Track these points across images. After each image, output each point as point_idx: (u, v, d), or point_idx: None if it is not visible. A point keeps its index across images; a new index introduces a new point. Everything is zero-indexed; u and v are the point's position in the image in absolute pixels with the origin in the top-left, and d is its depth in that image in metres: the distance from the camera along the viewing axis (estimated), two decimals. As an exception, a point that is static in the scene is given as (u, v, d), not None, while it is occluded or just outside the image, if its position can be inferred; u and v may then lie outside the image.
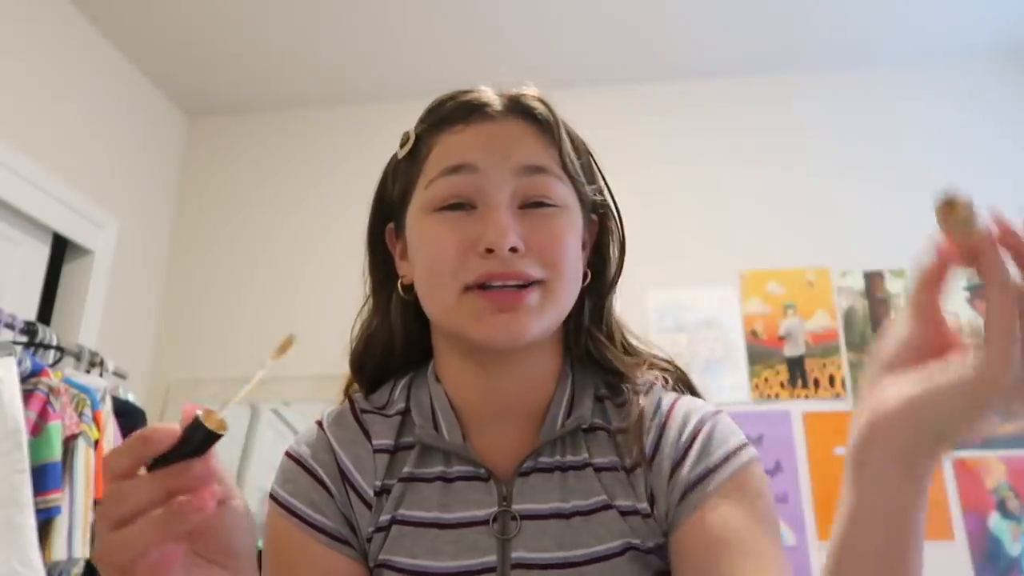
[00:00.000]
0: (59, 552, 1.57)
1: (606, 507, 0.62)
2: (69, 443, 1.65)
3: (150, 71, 2.66)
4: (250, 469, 2.45)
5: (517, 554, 0.60)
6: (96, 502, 1.72)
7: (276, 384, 2.42)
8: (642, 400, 0.67)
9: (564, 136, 0.67)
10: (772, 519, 0.61)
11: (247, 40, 2.52)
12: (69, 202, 2.23)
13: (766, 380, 2.34)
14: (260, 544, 0.59)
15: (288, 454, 0.68)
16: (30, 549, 1.44)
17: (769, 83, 2.68)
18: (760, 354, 2.37)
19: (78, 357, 1.95)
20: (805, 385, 2.33)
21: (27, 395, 1.58)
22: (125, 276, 2.49)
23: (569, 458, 0.65)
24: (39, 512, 1.51)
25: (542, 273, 0.62)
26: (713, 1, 2.36)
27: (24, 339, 1.77)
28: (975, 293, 2.36)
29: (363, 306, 0.74)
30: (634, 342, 0.73)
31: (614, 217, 0.73)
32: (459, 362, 0.68)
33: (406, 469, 0.65)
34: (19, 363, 1.59)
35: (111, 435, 1.83)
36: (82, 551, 1.63)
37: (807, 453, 2.23)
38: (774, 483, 2.21)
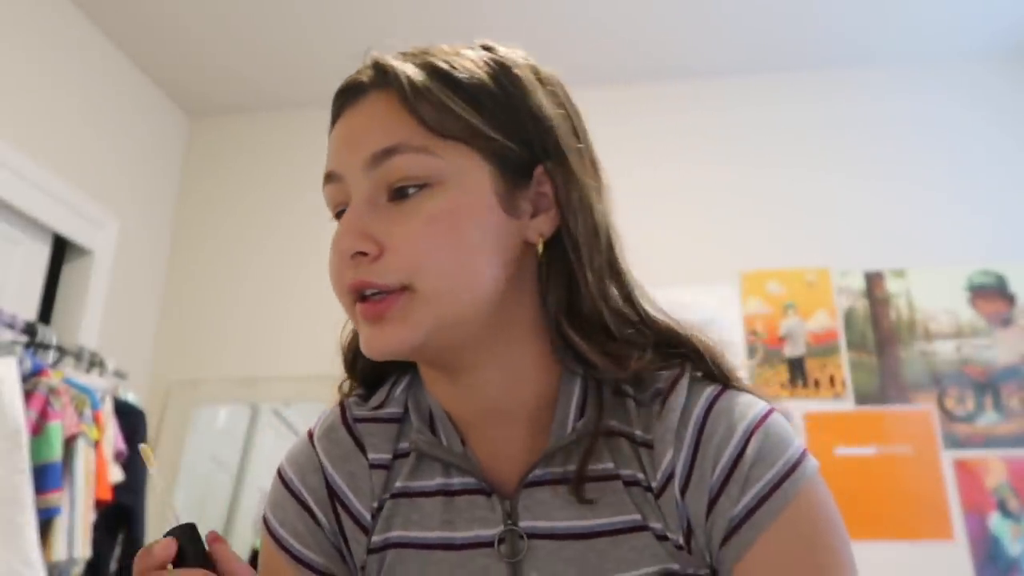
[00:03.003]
0: (59, 552, 1.57)
1: (640, 528, 0.53)
2: (69, 443, 1.65)
3: (151, 71, 2.66)
4: (250, 469, 2.45)
5: None
6: (96, 502, 1.72)
7: (276, 384, 2.42)
8: (670, 401, 0.55)
9: (432, 90, 0.54)
10: (836, 550, 0.53)
11: (248, 40, 2.52)
12: (69, 202, 2.23)
13: (766, 380, 2.34)
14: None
15: (279, 473, 0.63)
16: (31, 549, 1.44)
17: (769, 83, 2.68)
18: (760, 354, 2.37)
19: (78, 357, 1.95)
20: (805, 385, 2.33)
21: (27, 395, 1.58)
22: (125, 276, 2.49)
23: (589, 467, 0.55)
24: (39, 512, 1.51)
25: (401, 277, 0.52)
26: (713, 2, 2.36)
27: (24, 339, 1.77)
28: (975, 293, 2.36)
29: None
30: (651, 311, 0.60)
31: (567, 160, 0.57)
32: (424, 366, 0.61)
33: (399, 483, 0.59)
34: (19, 363, 1.59)
35: (111, 435, 1.83)
36: (82, 551, 1.63)
37: (807, 453, 2.23)
38: (774, 483, 2.21)
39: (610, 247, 0.59)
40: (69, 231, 2.25)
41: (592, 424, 0.56)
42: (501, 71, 0.57)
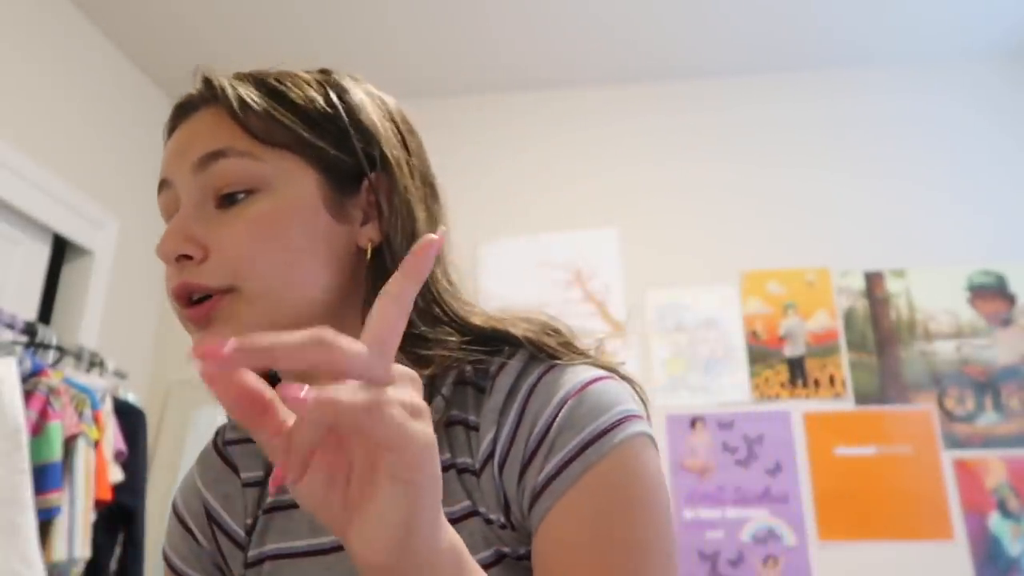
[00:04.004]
0: (59, 552, 1.57)
1: (471, 513, 0.53)
2: (69, 443, 1.65)
3: (151, 71, 2.66)
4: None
5: None
6: (96, 502, 1.72)
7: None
8: (496, 382, 0.55)
9: (259, 102, 0.56)
10: (637, 524, 0.48)
11: (247, 41, 2.52)
12: (69, 202, 2.23)
13: (766, 380, 2.34)
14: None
15: (173, 498, 0.66)
16: (31, 549, 1.44)
17: (769, 83, 2.68)
18: (760, 354, 2.37)
19: (78, 357, 1.95)
20: (805, 385, 2.33)
21: (27, 395, 1.58)
22: (125, 276, 2.49)
23: None
24: (39, 512, 1.51)
25: (226, 280, 0.52)
26: (713, 2, 2.36)
27: (24, 339, 1.76)
28: (975, 293, 2.36)
29: None
30: (460, 311, 0.58)
31: (392, 171, 0.59)
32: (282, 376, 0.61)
33: (270, 499, 0.60)
34: (19, 363, 1.58)
35: (111, 435, 1.83)
36: (82, 551, 1.63)
37: (807, 453, 2.23)
38: (774, 483, 2.21)
39: (436, 262, 0.59)
40: (69, 231, 2.25)
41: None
42: (332, 88, 0.59)
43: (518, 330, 0.56)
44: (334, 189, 0.57)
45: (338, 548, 0.56)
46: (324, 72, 0.62)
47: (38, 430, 1.58)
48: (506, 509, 0.53)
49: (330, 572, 0.56)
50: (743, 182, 2.57)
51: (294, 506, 0.59)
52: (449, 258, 0.62)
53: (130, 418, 1.94)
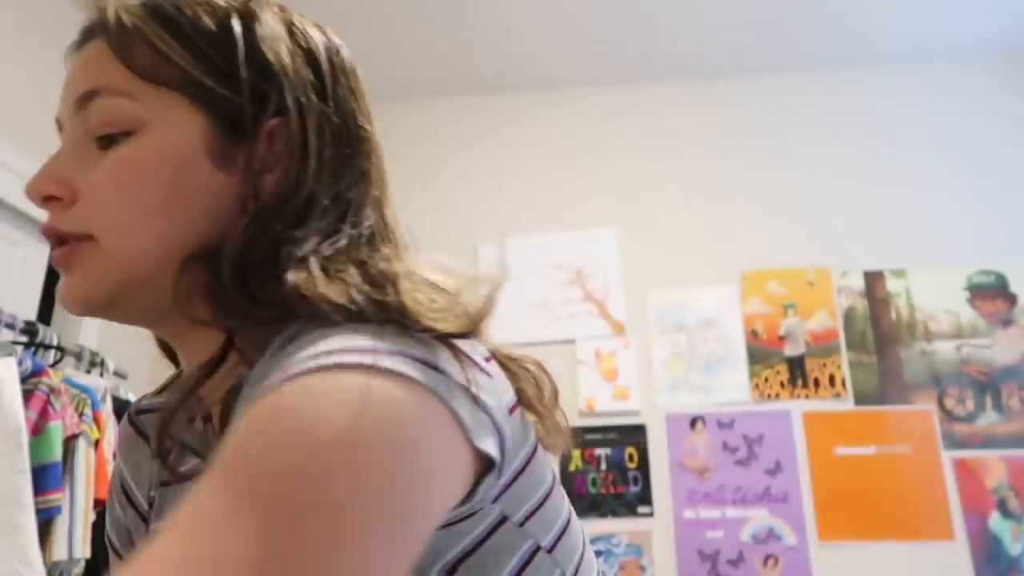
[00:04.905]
0: (59, 552, 1.57)
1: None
2: (69, 443, 1.65)
3: (150, 71, 2.66)
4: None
5: None
6: (97, 502, 1.72)
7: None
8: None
9: (143, 32, 0.50)
10: (251, 465, 0.33)
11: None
12: (69, 202, 2.23)
13: (766, 380, 2.34)
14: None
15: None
16: (31, 549, 1.44)
17: (769, 83, 2.68)
18: (760, 354, 2.37)
19: (79, 357, 1.95)
20: (805, 385, 2.33)
21: (27, 395, 1.58)
22: (125, 276, 2.49)
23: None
24: (39, 512, 1.51)
25: (83, 226, 0.49)
26: (713, 2, 2.36)
27: (24, 339, 1.76)
28: (975, 293, 2.36)
29: None
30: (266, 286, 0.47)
31: (291, 119, 0.51)
32: (172, 340, 0.56)
33: (160, 474, 0.56)
34: (19, 363, 1.58)
35: (111, 435, 1.83)
36: (82, 551, 1.63)
37: (807, 453, 2.23)
38: (774, 483, 2.21)
39: (298, 219, 0.50)
40: (69, 231, 2.24)
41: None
42: (239, 17, 0.52)
43: (310, 294, 0.44)
44: (223, 135, 0.50)
45: None
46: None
47: (38, 430, 1.57)
48: None
49: None
50: (743, 182, 2.57)
51: (181, 481, 0.51)
52: (361, 219, 0.52)
53: (130, 418, 1.93)
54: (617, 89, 2.72)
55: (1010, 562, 2.08)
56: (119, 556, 0.60)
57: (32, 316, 2.10)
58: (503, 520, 0.44)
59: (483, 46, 2.57)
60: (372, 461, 0.33)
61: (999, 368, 2.28)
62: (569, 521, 0.50)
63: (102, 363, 2.00)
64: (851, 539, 2.14)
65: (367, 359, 0.37)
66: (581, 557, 0.50)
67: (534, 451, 0.47)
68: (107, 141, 0.50)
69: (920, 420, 2.24)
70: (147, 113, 0.49)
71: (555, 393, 0.51)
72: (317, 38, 0.58)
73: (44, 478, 1.55)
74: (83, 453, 1.67)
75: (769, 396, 2.33)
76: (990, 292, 2.36)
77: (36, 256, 2.19)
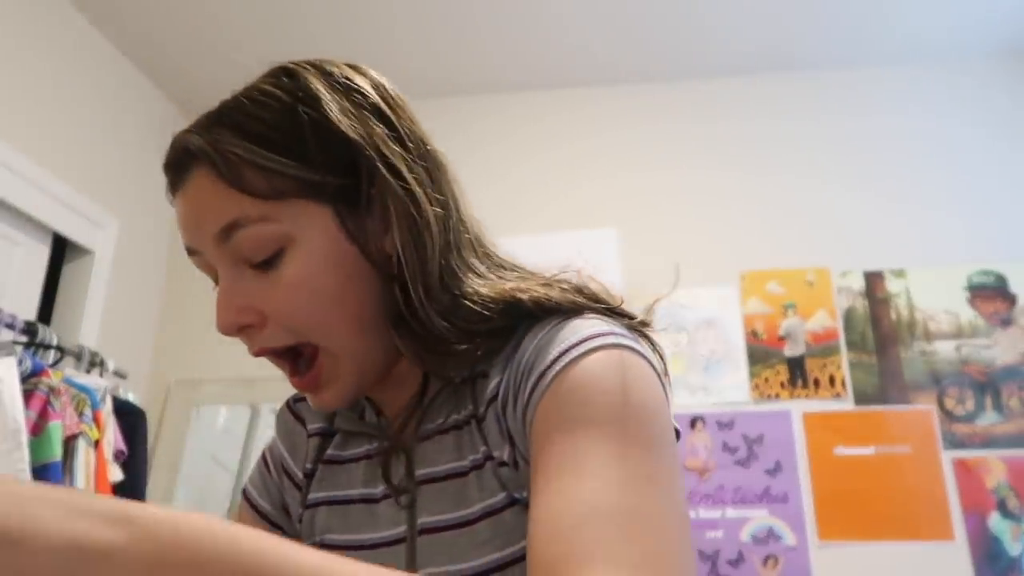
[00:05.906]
0: (59, 552, 1.56)
1: (488, 458, 0.55)
2: (69, 443, 1.65)
3: (150, 71, 2.66)
4: (250, 469, 2.44)
5: (422, 520, 0.57)
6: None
7: (276, 384, 2.42)
8: (515, 339, 0.57)
9: (242, 155, 0.54)
10: (589, 418, 0.47)
11: (247, 41, 2.52)
12: (69, 202, 2.23)
13: (766, 380, 2.34)
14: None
15: (262, 453, 0.75)
16: (30, 549, 1.44)
17: (768, 84, 2.68)
18: (760, 354, 2.37)
19: (78, 357, 1.95)
20: (805, 385, 2.33)
21: (27, 395, 1.58)
22: (125, 276, 2.49)
23: (454, 416, 0.59)
24: (39, 512, 1.51)
25: (293, 338, 0.56)
26: (713, 2, 2.36)
27: (24, 339, 1.76)
28: (975, 293, 2.36)
29: None
30: (482, 293, 0.58)
31: (384, 176, 0.56)
32: None
33: (330, 452, 0.67)
34: (19, 363, 1.58)
35: (111, 435, 1.83)
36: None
37: (807, 453, 2.23)
38: (774, 483, 2.21)
39: (448, 249, 0.59)
40: (69, 231, 2.25)
41: (446, 379, 0.60)
42: (299, 102, 0.56)
43: (528, 295, 0.57)
44: (348, 214, 0.56)
45: (387, 496, 0.60)
46: (288, 75, 0.59)
47: (38, 430, 1.58)
48: (512, 444, 0.54)
49: (374, 517, 0.60)
50: (743, 182, 2.57)
51: (350, 460, 0.65)
52: (464, 223, 0.64)
53: (130, 418, 1.94)
54: (617, 90, 2.72)
55: (1010, 562, 2.09)
56: (255, 509, 0.70)
57: (32, 316, 2.10)
58: None
59: (482, 47, 2.57)
60: (662, 408, 0.50)
61: (999, 368, 2.28)
62: None
63: (102, 363, 2.00)
64: (851, 539, 2.14)
65: (620, 340, 0.52)
66: None
67: None
68: (260, 263, 0.55)
69: (920, 420, 2.25)
70: (289, 228, 0.55)
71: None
72: (365, 85, 0.61)
73: (44, 478, 1.55)
74: (83, 453, 1.67)
75: (769, 396, 2.33)
76: (990, 292, 2.36)
77: (36, 256, 2.19)
